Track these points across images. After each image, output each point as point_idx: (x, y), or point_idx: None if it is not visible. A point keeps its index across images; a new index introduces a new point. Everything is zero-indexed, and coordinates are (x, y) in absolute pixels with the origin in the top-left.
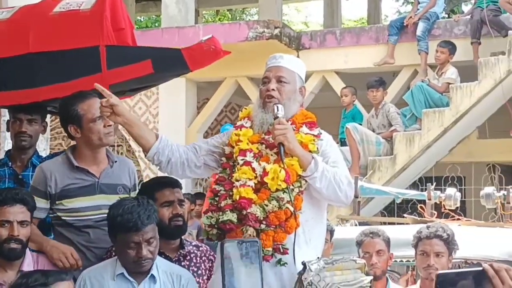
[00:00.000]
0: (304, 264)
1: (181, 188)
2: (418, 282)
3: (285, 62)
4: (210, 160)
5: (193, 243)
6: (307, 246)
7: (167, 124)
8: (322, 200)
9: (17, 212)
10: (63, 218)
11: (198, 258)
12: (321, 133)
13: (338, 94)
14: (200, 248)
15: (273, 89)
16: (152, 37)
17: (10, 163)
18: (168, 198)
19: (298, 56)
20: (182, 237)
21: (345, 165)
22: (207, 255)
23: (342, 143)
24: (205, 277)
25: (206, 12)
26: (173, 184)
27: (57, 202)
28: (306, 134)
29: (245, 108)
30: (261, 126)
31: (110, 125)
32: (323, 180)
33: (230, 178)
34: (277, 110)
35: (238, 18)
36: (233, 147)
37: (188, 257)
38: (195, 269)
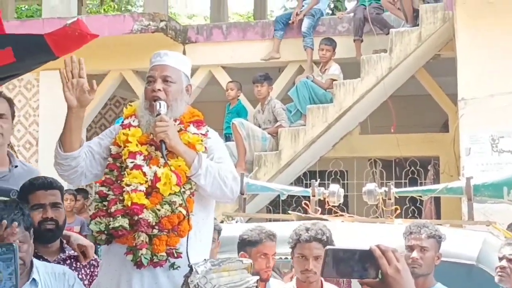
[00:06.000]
0: (190, 266)
1: (60, 189)
2: (294, 279)
3: (170, 60)
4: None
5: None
6: (199, 247)
7: (47, 118)
8: (210, 200)
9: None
10: None
11: (78, 263)
12: (208, 131)
13: (224, 89)
14: None
15: (159, 90)
16: (32, 27)
17: None
18: (39, 201)
19: (184, 50)
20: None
21: (231, 161)
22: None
23: (227, 138)
24: (85, 282)
25: (90, 2)
26: (47, 185)
27: None
28: (193, 134)
29: (130, 105)
30: (148, 127)
31: None
32: (208, 177)
33: (118, 180)
34: (159, 107)
35: (123, 9)
36: (120, 146)
37: (68, 261)
38: (76, 274)
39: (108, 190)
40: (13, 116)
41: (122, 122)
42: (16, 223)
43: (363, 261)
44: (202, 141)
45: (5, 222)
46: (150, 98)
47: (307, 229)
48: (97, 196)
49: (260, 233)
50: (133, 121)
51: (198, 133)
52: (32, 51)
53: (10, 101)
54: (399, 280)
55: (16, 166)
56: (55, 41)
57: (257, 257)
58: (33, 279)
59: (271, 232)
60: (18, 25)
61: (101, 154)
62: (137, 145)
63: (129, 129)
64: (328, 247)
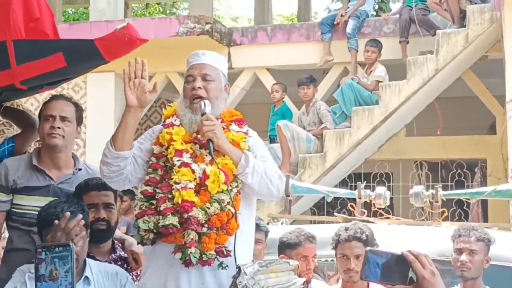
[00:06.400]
0: (238, 267)
1: (113, 190)
2: (340, 282)
3: (208, 59)
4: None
5: None
6: (245, 246)
7: (95, 119)
8: (253, 198)
9: None
10: (12, 211)
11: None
12: (248, 130)
13: (268, 91)
14: None
15: (199, 87)
16: (80, 31)
17: None
18: (92, 201)
19: (229, 53)
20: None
21: (272, 159)
22: None
23: (272, 140)
24: (136, 283)
25: (135, 5)
26: (101, 186)
27: (13, 196)
28: (237, 132)
29: (169, 106)
30: (191, 126)
31: (54, 127)
32: (255, 176)
33: (164, 179)
34: (204, 106)
35: (168, 12)
36: (162, 146)
37: (120, 262)
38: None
39: (153, 189)
40: (79, 121)
41: (164, 123)
42: (80, 215)
43: (398, 265)
44: (245, 139)
45: (68, 213)
46: (190, 96)
47: (346, 229)
48: (141, 195)
49: (299, 236)
50: (175, 120)
51: (241, 131)
52: (82, 56)
53: (77, 106)
54: (434, 283)
55: (80, 169)
56: (105, 46)
57: (297, 260)
58: (86, 277)
59: (310, 234)
60: (66, 28)
61: (143, 157)
62: (182, 143)
63: (172, 128)
64: (368, 248)
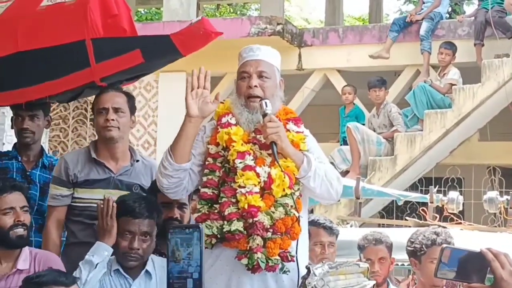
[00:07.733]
0: (308, 268)
1: None
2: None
3: (263, 54)
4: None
5: None
6: (304, 249)
7: (166, 118)
8: (308, 201)
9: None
10: (73, 205)
11: None
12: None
13: (338, 92)
14: None
15: (255, 86)
16: (153, 30)
17: (19, 157)
18: (166, 199)
19: (300, 54)
20: None
21: (327, 160)
22: None
23: (345, 142)
24: None
25: (206, 6)
26: None
27: (74, 189)
28: (296, 132)
29: (222, 103)
30: (248, 125)
31: (107, 119)
32: (317, 179)
33: (226, 182)
34: (266, 106)
35: (239, 13)
36: (218, 145)
37: None
38: None
39: (212, 192)
40: (132, 111)
41: (218, 120)
42: (112, 197)
43: (471, 264)
44: (304, 140)
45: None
46: (246, 94)
47: (437, 233)
48: (200, 198)
49: (363, 239)
50: (231, 119)
51: (300, 131)
52: (159, 52)
53: (128, 96)
54: None
55: (137, 161)
56: (181, 41)
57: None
58: (147, 270)
59: (374, 237)
60: (140, 28)
61: (196, 162)
62: (242, 144)
63: (231, 128)
64: (444, 245)
